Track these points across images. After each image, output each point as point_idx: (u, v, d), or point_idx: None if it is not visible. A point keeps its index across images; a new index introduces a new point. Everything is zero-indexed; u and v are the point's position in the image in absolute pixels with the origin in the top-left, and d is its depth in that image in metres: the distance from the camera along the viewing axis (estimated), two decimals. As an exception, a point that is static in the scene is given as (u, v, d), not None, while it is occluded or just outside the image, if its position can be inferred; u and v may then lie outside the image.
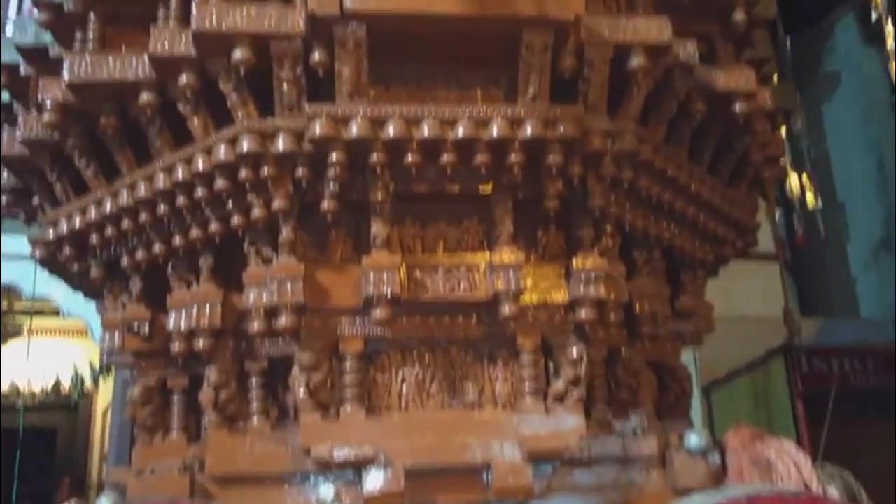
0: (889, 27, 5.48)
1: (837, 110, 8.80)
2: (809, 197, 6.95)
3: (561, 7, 2.38)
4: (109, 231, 2.72)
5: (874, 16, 5.55)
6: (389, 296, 2.39)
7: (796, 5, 6.83)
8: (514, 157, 2.42)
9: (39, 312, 8.75)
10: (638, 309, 2.75)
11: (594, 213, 2.62)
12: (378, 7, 2.32)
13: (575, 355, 2.55)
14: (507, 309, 2.44)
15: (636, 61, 2.47)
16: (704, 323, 3.12)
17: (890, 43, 5.62)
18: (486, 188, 2.55)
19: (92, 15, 2.67)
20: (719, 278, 3.49)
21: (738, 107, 2.76)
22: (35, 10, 2.76)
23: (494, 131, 2.38)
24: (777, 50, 4.09)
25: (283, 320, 2.40)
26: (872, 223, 8.47)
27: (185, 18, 2.52)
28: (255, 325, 2.47)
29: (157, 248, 2.69)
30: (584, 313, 2.53)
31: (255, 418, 2.60)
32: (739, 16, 2.81)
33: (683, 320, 3.04)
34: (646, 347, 2.88)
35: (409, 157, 2.38)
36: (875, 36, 7.09)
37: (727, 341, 4.32)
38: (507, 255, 2.48)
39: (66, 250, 2.87)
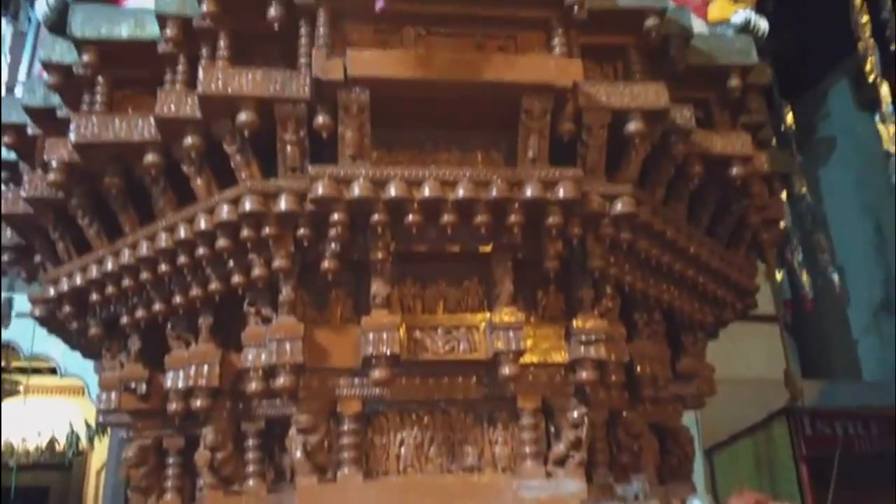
0: (884, 90, 5.57)
1: (834, 174, 8.89)
2: (822, 258, 6.99)
3: (560, 74, 2.43)
4: (110, 289, 2.73)
5: (870, 78, 5.65)
6: (389, 355, 2.39)
7: (791, 71, 6.96)
8: (513, 218, 2.44)
9: (37, 371, 8.68)
10: (639, 370, 2.73)
11: (594, 274, 2.62)
12: (381, 72, 2.37)
13: (576, 418, 2.52)
14: (507, 369, 2.43)
15: (634, 126, 2.51)
16: (706, 385, 3.10)
17: (885, 106, 5.71)
18: (486, 248, 2.56)
19: (100, 78, 2.72)
20: (720, 340, 3.47)
21: (735, 170, 2.79)
22: (45, 73, 2.82)
23: (494, 192, 2.41)
24: (774, 115, 4.16)
25: (282, 380, 2.38)
26: (872, 285, 8.47)
27: (191, 82, 2.59)
28: (253, 385, 2.45)
29: (157, 306, 2.69)
30: (584, 374, 2.52)
31: (251, 480, 2.56)
32: (734, 82, 2.87)
33: (685, 382, 3.02)
34: (647, 410, 2.86)
35: (411, 217, 2.40)
36: (869, 101, 7.20)
37: (728, 403, 4.28)
38: (507, 315, 2.48)
39: (66, 308, 2.87)
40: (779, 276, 6.98)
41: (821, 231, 7.22)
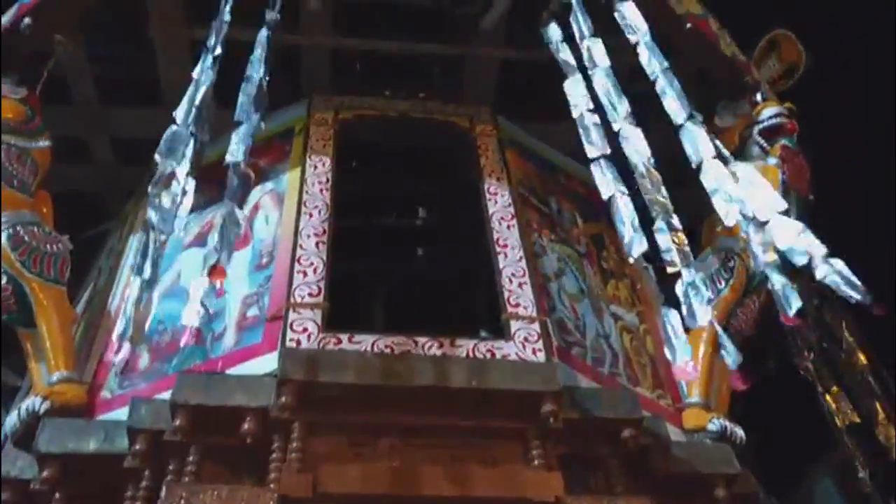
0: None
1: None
2: None
3: (540, 488, 2.35)
4: None
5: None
6: None
7: (773, 464, 6.88)
8: None
9: None
10: None
11: None
12: (352, 489, 2.28)
13: None
14: None
15: (625, 544, 2.36)
16: None
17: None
18: None
19: (57, 494, 2.58)
20: None
21: None
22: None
23: None
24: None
25: None
26: None
27: (153, 497, 2.44)
28: None
29: None
30: None
31: None
32: (721, 492, 2.76)
33: None
34: None
35: None
36: (855, 497, 7.01)
37: None
38: None
39: None
40: None
41: None
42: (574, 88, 2.99)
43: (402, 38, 3.90)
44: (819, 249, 2.33)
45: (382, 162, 4.21)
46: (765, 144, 3.63)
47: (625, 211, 2.58)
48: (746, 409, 3.48)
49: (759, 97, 3.76)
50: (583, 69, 3.03)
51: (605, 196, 2.67)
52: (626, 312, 3.48)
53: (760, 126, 3.67)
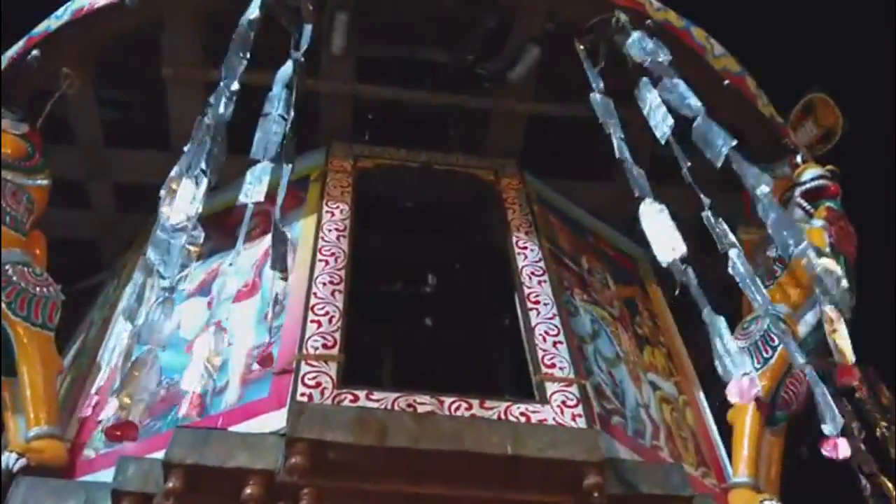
0: None
1: None
2: None
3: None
4: None
5: None
6: None
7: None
8: None
9: None
10: None
11: None
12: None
13: None
14: None
15: None
16: None
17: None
18: None
19: None
20: None
21: None
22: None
23: None
24: None
25: None
26: None
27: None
28: None
29: None
30: None
31: None
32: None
33: None
34: None
35: None
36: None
37: None
38: None
39: None
40: None
41: None
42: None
43: (426, 89, 3.74)
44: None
45: (399, 221, 4.00)
46: (808, 207, 3.44)
47: None
48: (795, 495, 3.16)
49: (799, 158, 3.59)
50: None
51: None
52: (663, 381, 3.20)
53: (802, 188, 3.49)
